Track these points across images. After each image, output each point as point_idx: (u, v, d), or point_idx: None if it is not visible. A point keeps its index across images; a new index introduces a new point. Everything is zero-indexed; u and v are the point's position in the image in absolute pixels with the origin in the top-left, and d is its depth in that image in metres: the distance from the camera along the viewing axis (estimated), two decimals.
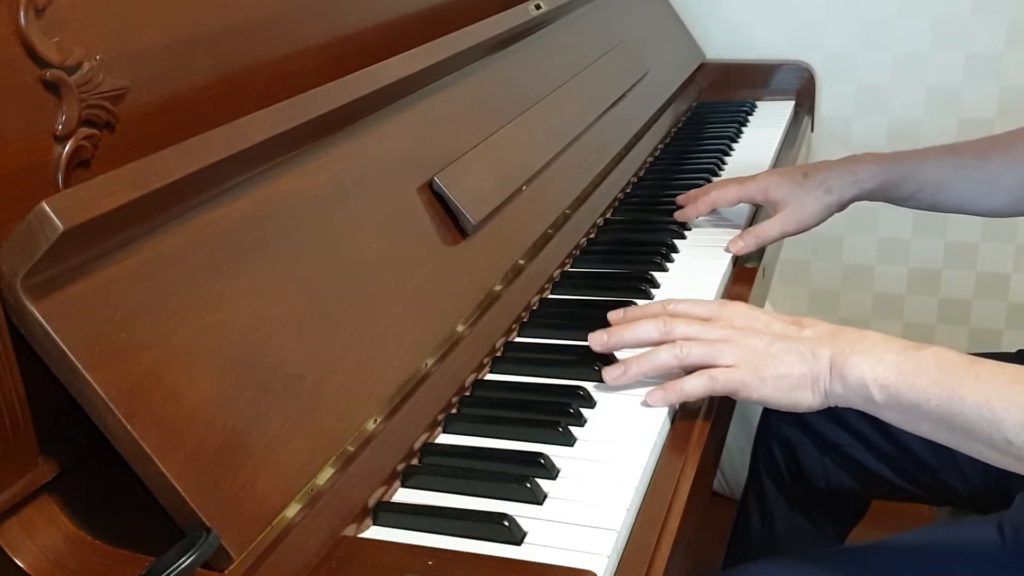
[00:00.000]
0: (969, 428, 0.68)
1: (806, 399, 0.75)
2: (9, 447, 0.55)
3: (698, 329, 0.79)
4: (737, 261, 1.06)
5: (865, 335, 0.75)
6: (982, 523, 0.86)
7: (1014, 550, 0.81)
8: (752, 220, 1.14)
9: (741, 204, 1.14)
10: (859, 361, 0.72)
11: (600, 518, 0.65)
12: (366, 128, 0.84)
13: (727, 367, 0.76)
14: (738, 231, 1.09)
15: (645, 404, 0.78)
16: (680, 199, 1.16)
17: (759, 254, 1.08)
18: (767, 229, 1.06)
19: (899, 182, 1.05)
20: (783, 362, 0.75)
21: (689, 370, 0.78)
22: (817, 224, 1.07)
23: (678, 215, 1.14)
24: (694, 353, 0.77)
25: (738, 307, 0.82)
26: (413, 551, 0.63)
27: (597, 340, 0.82)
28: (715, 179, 1.28)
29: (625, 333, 0.81)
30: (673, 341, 0.79)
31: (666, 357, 0.78)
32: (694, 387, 0.77)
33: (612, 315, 0.85)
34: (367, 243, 0.78)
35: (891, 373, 0.71)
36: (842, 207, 1.07)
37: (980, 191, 1.03)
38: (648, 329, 0.81)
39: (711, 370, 0.77)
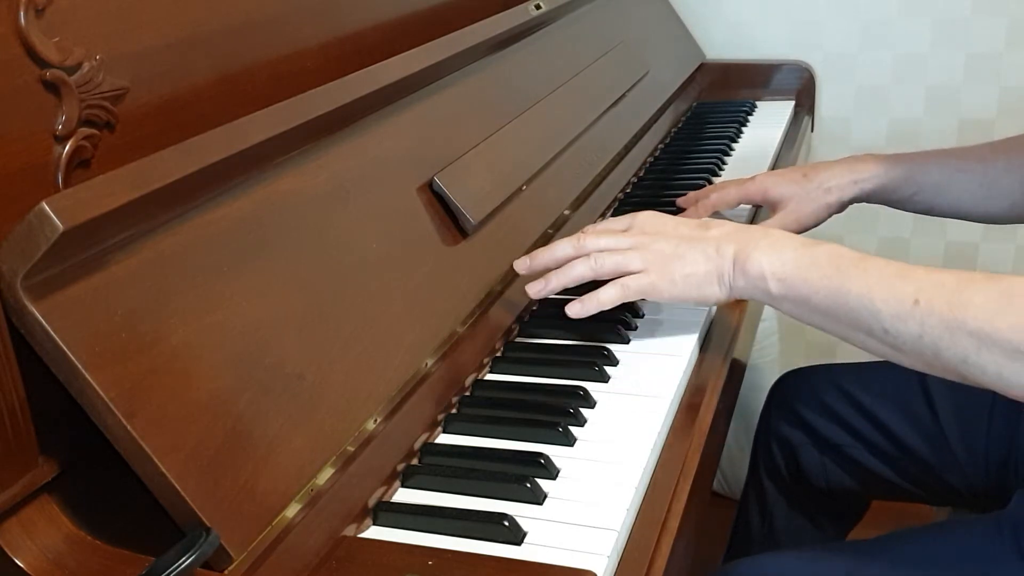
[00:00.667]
0: (852, 318, 0.73)
1: (714, 293, 0.82)
2: (9, 447, 0.55)
3: (609, 240, 0.86)
4: None
5: (768, 232, 0.81)
6: (980, 520, 0.86)
7: (1012, 547, 0.82)
8: (752, 220, 1.14)
9: (741, 206, 1.14)
10: (759, 256, 0.79)
11: (600, 518, 0.65)
12: (366, 128, 0.84)
13: (638, 272, 0.83)
14: None
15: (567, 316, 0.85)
16: (680, 202, 1.16)
17: None
18: None
19: (899, 184, 1.05)
20: (689, 261, 0.82)
21: (606, 279, 0.85)
22: (816, 224, 1.07)
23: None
24: (606, 263, 0.84)
25: (649, 214, 0.88)
26: (413, 551, 0.63)
27: (521, 263, 0.89)
28: (715, 179, 1.28)
29: (545, 254, 0.88)
30: (588, 254, 0.85)
31: (581, 268, 0.85)
32: (609, 296, 0.84)
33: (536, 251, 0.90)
34: (367, 243, 0.78)
35: (787, 267, 0.77)
36: (842, 208, 1.07)
37: (979, 195, 1.04)
38: (564, 247, 0.87)
39: (623, 279, 0.83)
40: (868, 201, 1.08)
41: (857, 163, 1.06)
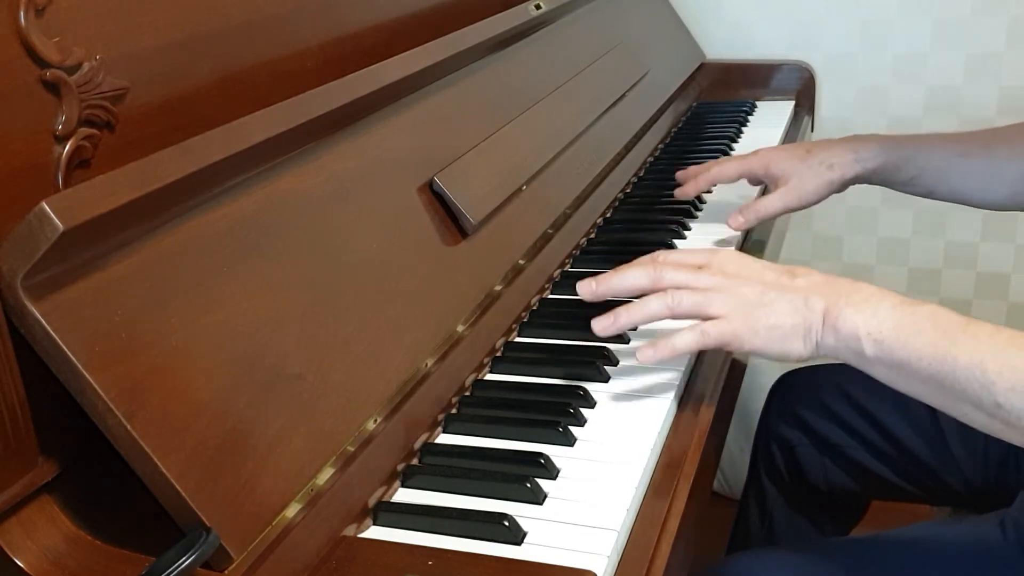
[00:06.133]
0: (960, 389, 0.67)
1: (796, 349, 0.74)
2: (9, 447, 0.55)
3: (688, 276, 0.77)
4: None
5: (859, 287, 0.74)
6: (984, 520, 0.86)
7: (1016, 547, 0.82)
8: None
9: (744, 203, 1.14)
10: (853, 313, 0.71)
11: (600, 518, 0.65)
12: (366, 128, 0.84)
13: (718, 318, 0.75)
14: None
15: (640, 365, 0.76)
16: (680, 175, 1.15)
17: (762, 243, 1.08)
18: (768, 204, 1.05)
19: (901, 164, 1.04)
20: (775, 312, 0.74)
21: (680, 319, 0.76)
22: (817, 201, 1.06)
23: (678, 192, 1.14)
24: (685, 302, 0.75)
25: (730, 253, 0.79)
26: (413, 551, 0.63)
27: (586, 288, 0.80)
28: None
29: (613, 280, 0.79)
30: (663, 289, 0.76)
31: (656, 306, 0.76)
32: (685, 342, 0.75)
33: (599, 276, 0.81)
34: (367, 243, 0.78)
35: (885, 328, 0.70)
36: (843, 186, 1.06)
37: (980, 181, 1.03)
38: (637, 276, 0.78)
39: (702, 324, 0.75)
40: (869, 181, 1.06)
41: (860, 142, 1.05)
